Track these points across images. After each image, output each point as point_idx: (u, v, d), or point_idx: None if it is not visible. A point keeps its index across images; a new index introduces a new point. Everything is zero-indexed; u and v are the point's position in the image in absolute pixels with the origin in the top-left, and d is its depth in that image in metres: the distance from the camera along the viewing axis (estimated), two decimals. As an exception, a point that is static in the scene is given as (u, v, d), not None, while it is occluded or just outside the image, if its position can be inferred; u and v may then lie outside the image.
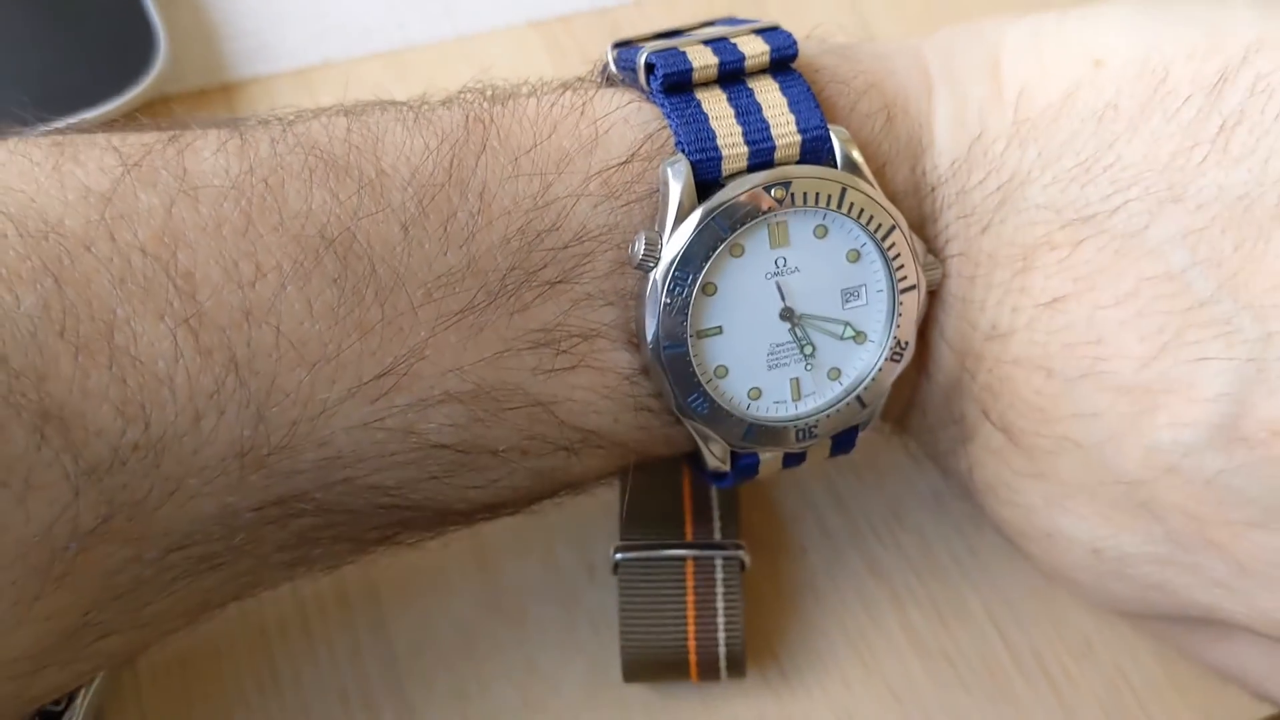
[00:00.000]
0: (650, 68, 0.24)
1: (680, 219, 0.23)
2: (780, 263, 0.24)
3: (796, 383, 0.25)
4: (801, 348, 0.25)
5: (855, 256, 0.25)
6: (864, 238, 0.25)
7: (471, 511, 0.26)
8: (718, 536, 0.28)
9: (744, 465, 0.26)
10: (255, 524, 0.23)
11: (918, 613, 0.31)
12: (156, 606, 0.23)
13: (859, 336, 0.25)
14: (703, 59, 0.24)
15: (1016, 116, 0.25)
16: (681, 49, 0.24)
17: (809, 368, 0.25)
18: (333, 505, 0.23)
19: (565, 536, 0.31)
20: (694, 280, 0.24)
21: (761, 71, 0.25)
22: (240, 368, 0.21)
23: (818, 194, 0.24)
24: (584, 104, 0.25)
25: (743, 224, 0.24)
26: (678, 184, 0.23)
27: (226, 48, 0.39)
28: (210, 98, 0.38)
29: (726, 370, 0.25)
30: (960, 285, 0.26)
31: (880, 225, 0.25)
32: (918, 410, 0.28)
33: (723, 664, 0.28)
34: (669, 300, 0.24)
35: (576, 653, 0.30)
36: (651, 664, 0.28)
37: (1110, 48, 0.25)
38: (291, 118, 0.24)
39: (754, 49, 0.24)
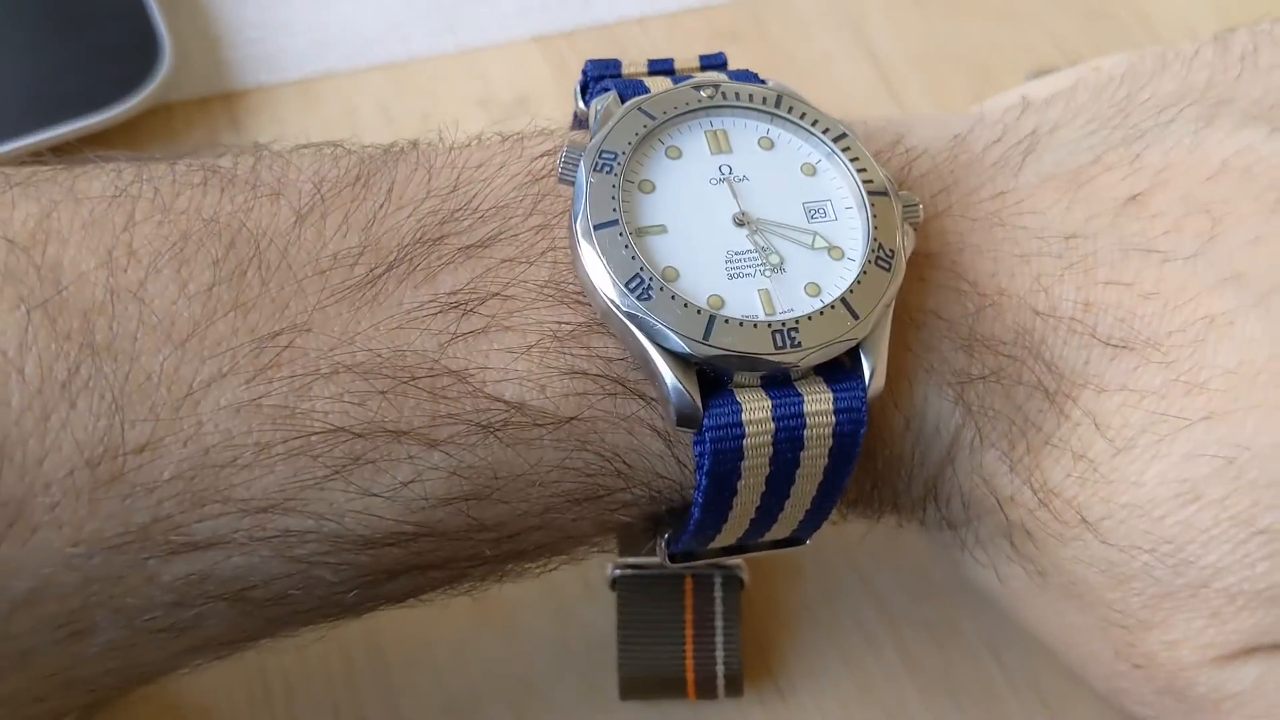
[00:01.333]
0: (584, 80, 0.24)
1: (605, 121, 0.23)
2: (725, 169, 0.23)
3: (767, 295, 0.22)
4: (765, 256, 0.22)
5: (810, 170, 0.23)
6: (816, 153, 0.23)
7: (381, 542, 0.21)
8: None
9: (719, 413, 0.21)
10: (115, 570, 0.20)
11: (913, 635, 0.31)
12: (10, 685, 0.20)
13: (834, 251, 0.22)
14: (634, 64, 0.24)
15: (1024, 101, 0.26)
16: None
17: (778, 280, 0.22)
18: (207, 538, 0.20)
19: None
20: (623, 160, 0.22)
21: (694, 72, 0.25)
22: (99, 352, 0.19)
23: (751, 94, 0.23)
24: (514, 135, 0.24)
25: (672, 114, 0.22)
26: (603, 102, 0.23)
27: (229, 56, 0.39)
28: (212, 106, 0.38)
29: (677, 273, 0.21)
30: (1005, 215, 0.24)
31: (829, 129, 0.23)
32: (947, 382, 0.24)
33: (720, 683, 0.28)
34: (595, 180, 0.21)
35: (571, 669, 0.30)
36: (648, 682, 0.28)
37: (1104, 59, 0.26)
38: (200, 153, 0.23)
39: (685, 60, 0.25)
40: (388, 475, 0.21)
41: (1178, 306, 0.23)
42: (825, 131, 0.23)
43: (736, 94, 0.23)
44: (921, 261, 0.24)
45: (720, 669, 0.27)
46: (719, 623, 0.27)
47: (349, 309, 0.21)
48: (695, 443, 0.21)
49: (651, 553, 0.25)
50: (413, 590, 0.23)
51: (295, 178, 0.22)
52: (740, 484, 0.22)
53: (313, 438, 0.20)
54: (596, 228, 0.21)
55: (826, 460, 0.22)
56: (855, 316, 0.22)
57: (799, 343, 0.21)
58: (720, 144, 0.23)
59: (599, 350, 0.22)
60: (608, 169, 0.22)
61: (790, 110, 0.23)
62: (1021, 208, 0.24)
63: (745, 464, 0.21)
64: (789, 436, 0.21)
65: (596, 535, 0.24)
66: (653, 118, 0.22)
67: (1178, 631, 0.23)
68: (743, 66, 0.25)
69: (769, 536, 0.24)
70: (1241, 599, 0.22)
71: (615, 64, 0.24)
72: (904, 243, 0.22)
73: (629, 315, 0.21)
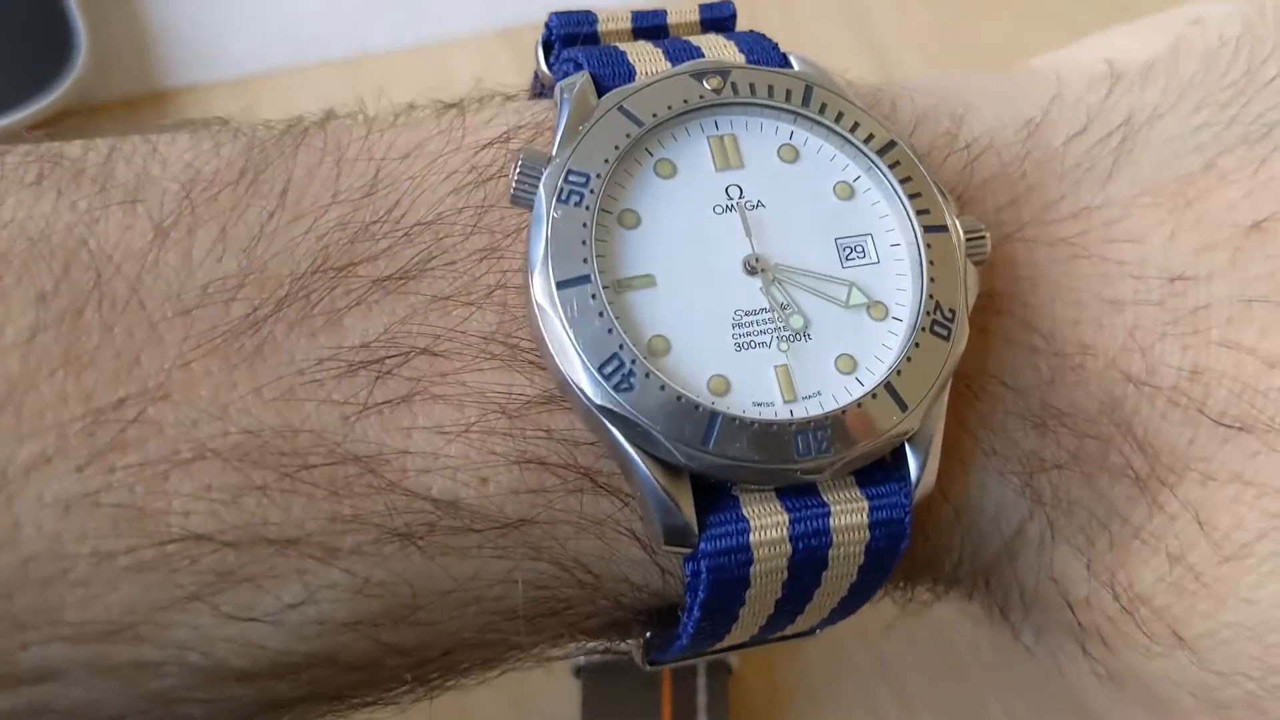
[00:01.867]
0: (548, 46, 0.19)
1: (575, 123, 0.17)
2: (733, 192, 0.18)
3: (786, 373, 0.17)
4: (786, 317, 0.17)
5: (847, 192, 0.18)
6: (854, 166, 0.18)
7: (266, 675, 0.17)
8: (700, 636, 0.24)
9: (720, 534, 0.17)
10: None
11: (930, 719, 0.28)
12: None
13: (875, 308, 0.18)
14: (613, 19, 0.19)
15: (1113, 71, 0.21)
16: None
17: (802, 352, 0.17)
18: (33, 670, 0.16)
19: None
20: (597, 187, 0.17)
21: (693, 31, 0.19)
22: None
23: (771, 86, 0.18)
24: (456, 105, 0.19)
25: (664, 117, 0.17)
26: (570, 90, 0.18)
27: (159, 53, 0.35)
28: (140, 108, 0.35)
29: (668, 344, 0.17)
30: (1092, 242, 0.19)
31: (873, 137, 0.18)
32: (1013, 468, 0.20)
33: (704, 788, 0.24)
34: (560, 214, 0.17)
35: (532, 762, 0.26)
36: (619, 786, 0.24)
37: (1208, 8, 0.21)
38: (48, 140, 0.18)
39: (680, 13, 0.19)
40: (270, 596, 0.16)
41: None
42: (868, 140, 0.18)
43: (752, 86, 0.18)
44: (984, 304, 0.19)
45: (704, 772, 0.24)
46: (702, 718, 0.24)
47: (221, 366, 0.16)
48: (687, 562, 0.17)
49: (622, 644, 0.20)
50: None
51: (159, 174, 0.17)
52: (743, 610, 0.17)
53: (169, 547, 0.16)
54: (561, 285, 0.16)
55: (855, 577, 0.17)
56: (903, 407, 0.17)
57: (829, 448, 0.16)
58: (728, 156, 0.18)
59: (561, 432, 0.17)
60: (577, 198, 0.17)
61: (823, 110, 0.18)
62: (1113, 232, 0.19)
63: (751, 592, 0.17)
64: (810, 558, 0.17)
65: (551, 648, 0.19)
66: (639, 123, 0.17)
67: None
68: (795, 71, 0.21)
69: (771, 636, 0.19)
70: None
71: (589, 17, 0.19)
72: (966, 295, 0.18)
73: (605, 411, 0.16)
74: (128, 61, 0.35)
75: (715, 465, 0.16)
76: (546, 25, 0.19)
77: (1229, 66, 0.20)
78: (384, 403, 0.17)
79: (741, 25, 0.23)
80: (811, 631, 0.20)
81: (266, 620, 0.16)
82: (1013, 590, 0.21)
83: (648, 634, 0.19)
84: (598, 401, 0.16)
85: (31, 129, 0.32)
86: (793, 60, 0.19)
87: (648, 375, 0.16)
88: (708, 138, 0.18)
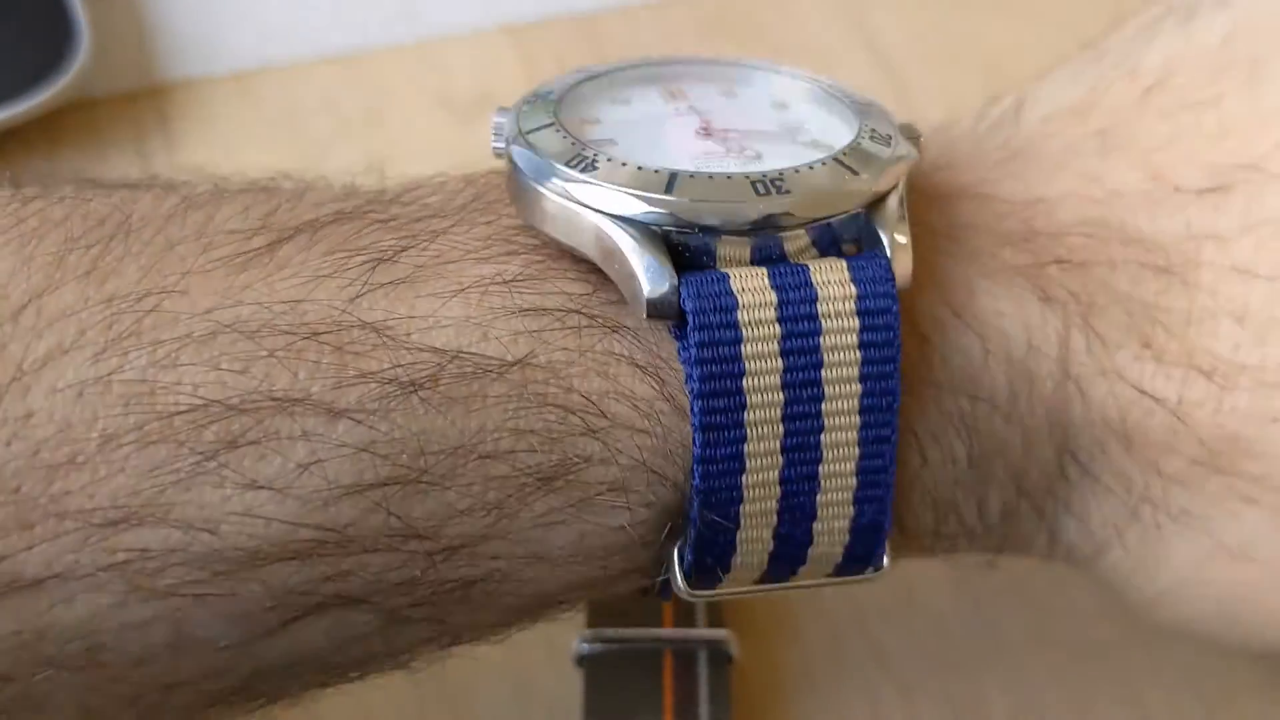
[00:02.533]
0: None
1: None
2: (680, 109, 0.20)
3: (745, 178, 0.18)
4: (740, 151, 0.19)
5: (782, 106, 0.20)
6: (793, 85, 0.21)
7: (275, 557, 0.17)
8: (702, 623, 0.25)
9: (700, 283, 0.17)
10: None
11: (930, 709, 0.27)
12: None
13: (818, 146, 0.19)
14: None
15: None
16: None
17: (755, 166, 0.18)
18: (36, 574, 0.16)
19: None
20: (558, 94, 0.19)
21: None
22: None
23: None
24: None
25: (616, 69, 0.20)
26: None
27: (159, 47, 0.36)
28: (139, 102, 0.35)
29: (615, 143, 0.19)
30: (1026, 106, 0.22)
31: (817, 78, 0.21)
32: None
33: (705, 777, 0.24)
34: (526, 109, 0.19)
35: (532, 752, 0.26)
36: (620, 774, 0.24)
37: None
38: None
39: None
40: (276, 459, 0.16)
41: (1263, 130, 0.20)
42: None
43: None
44: (945, 194, 0.20)
45: (705, 761, 0.24)
46: (704, 706, 0.24)
47: (238, 271, 0.17)
48: (678, 339, 0.17)
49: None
50: (332, 649, 0.18)
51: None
52: (747, 382, 0.17)
53: (176, 419, 0.16)
54: (528, 133, 0.18)
55: (858, 353, 0.17)
56: (854, 173, 0.18)
57: (785, 190, 0.17)
58: (675, 97, 0.20)
59: (559, 287, 0.18)
60: (544, 99, 0.19)
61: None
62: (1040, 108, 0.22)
63: (746, 348, 0.17)
64: (797, 313, 0.17)
65: (579, 560, 0.18)
66: (594, 76, 0.20)
67: None
68: (733, 56, 0.22)
69: (822, 530, 0.18)
70: None
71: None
72: (902, 148, 0.19)
73: (567, 195, 0.18)
74: (128, 55, 0.35)
75: (681, 206, 0.17)
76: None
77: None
78: (389, 282, 0.17)
79: (742, 26, 0.24)
80: (869, 562, 0.19)
81: (272, 487, 0.16)
82: (1101, 440, 0.20)
83: (679, 543, 0.19)
84: (564, 185, 0.18)
85: (34, 124, 0.32)
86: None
87: (609, 159, 0.18)
88: (658, 89, 0.20)
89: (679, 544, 0.18)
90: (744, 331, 0.17)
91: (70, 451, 0.16)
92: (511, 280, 0.18)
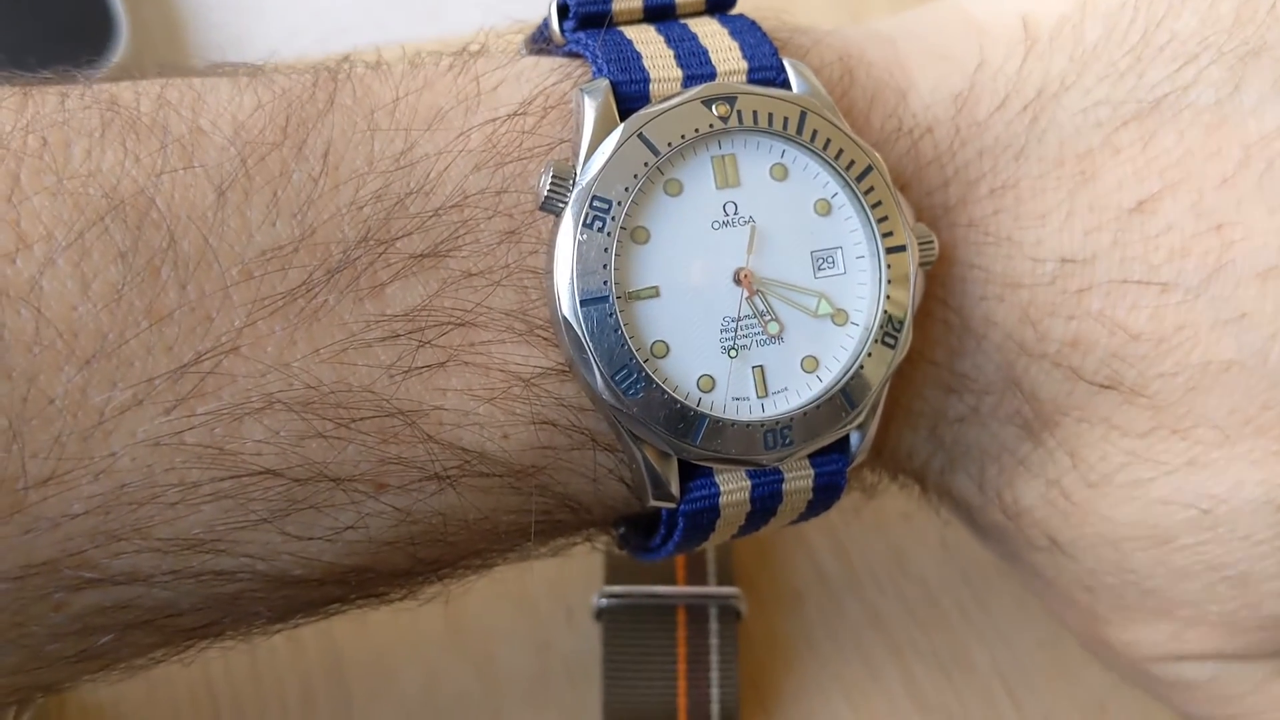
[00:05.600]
0: (563, 9, 0.21)
1: (598, 140, 0.19)
2: (730, 209, 0.20)
3: (761, 373, 0.20)
4: (765, 324, 0.20)
5: (825, 208, 0.20)
6: (834, 184, 0.20)
7: (320, 580, 0.20)
8: (713, 582, 0.26)
9: (697, 498, 0.20)
10: (16, 600, 0.18)
11: (920, 667, 0.29)
12: None
13: (838, 315, 0.20)
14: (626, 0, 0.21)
15: (1026, 36, 0.22)
16: None
17: (776, 353, 0.20)
18: (124, 573, 0.18)
19: (541, 574, 0.29)
20: (618, 213, 0.19)
21: (698, 13, 0.21)
22: None
23: (771, 114, 0.20)
24: (466, 62, 0.21)
25: (678, 145, 0.19)
26: (594, 102, 0.19)
27: (192, 39, 0.36)
28: None
29: (667, 348, 0.20)
30: (1002, 224, 0.22)
31: (854, 163, 0.20)
32: (924, 423, 0.23)
33: (714, 722, 0.26)
34: (585, 238, 0.19)
35: (550, 705, 0.28)
36: (635, 720, 0.26)
37: None
38: (100, 79, 0.20)
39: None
40: (327, 519, 0.19)
41: (1171, 349, 0.21)
42: (849, 167, 0.20)
43: (755, 115, 0.20)
44: None
45: (716, 707, 0.25)
46: (714, 657, 0.25)
47: (283, 326, 0.18)
48: (666, 512, 0.20)
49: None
50: (345, 610, 0.22)
51: (210, 129, 0.19)
52: (705, 543, 0.21)
53: (245, 479, 0.18)
54: (584, 303, 0.19)
55: (795, 518, 0.22)
56: (852, 406, 0.20)
57: (790, 441, 0.20)
58: (728, 175, 0.20)
59: (569, 399, 0.20)
60: (600, 224, 0.19)
61: (813, 137, 0.20)
62: (1021, 211, 0.22)
63: (714, 534, 0.21)
64: (763, 511, 0.21)
65: (539, 548, 0.22)
66: (656, 152, 0.19)
67: (1137, 634, 0.23)
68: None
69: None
70: (1205, 625, 0.22)
71: None
72: (914, 301, 0.21)
73: (615, 411, 0.19)
74: (161, 47, 0.36)
75: (699, 455, 0.20)
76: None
77: (1128, 29, 0.22)
78: (423, 367, 0.19)
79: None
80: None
81: (323, 539, 0.19)
82: (929, 497, 0.24)
83: (621, 529, 0.22)
84: (611, 403, 0.19)
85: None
86: (789, 71, 0.21)
87: (650, 382, 0.19)
88: (711, 157, 0.20)
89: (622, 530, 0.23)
90: (717, 529, 0.21)
91: (152, 493, 0.18)
92: (532, 381, 0.19)
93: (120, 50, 0.34)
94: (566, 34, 0.21)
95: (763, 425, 0.19)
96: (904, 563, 0.30)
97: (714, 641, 0.25)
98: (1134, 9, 0.22)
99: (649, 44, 0.20)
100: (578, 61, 0.20)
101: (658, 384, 0.19)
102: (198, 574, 0.18)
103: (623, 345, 0.19)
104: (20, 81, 0.19)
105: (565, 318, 0.19)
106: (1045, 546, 0.23)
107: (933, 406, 0.22)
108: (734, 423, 0.19)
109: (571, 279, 0.19)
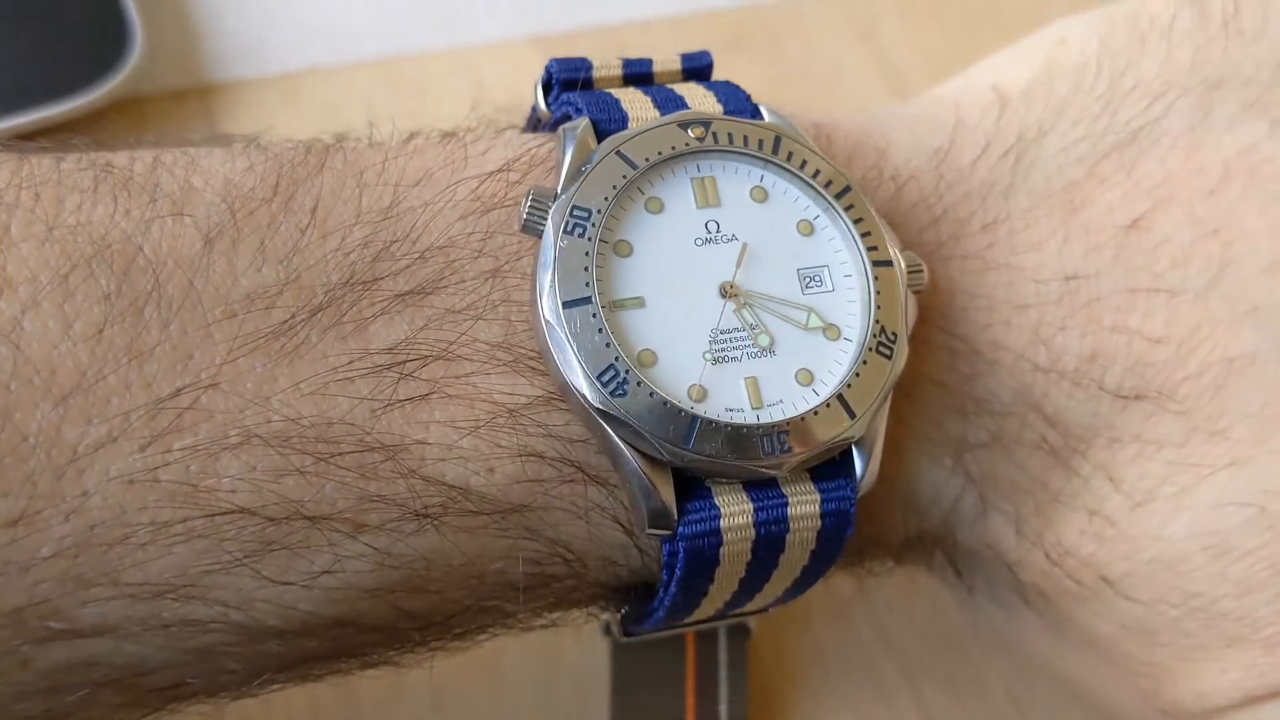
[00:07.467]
0: (548, 86, 0.21)
1: (578, 164, 0.20)
2: (712, 227, 0.20)
3: (754, 385, 0.20)
4: (754, 336, 0.20)
5: (808, 229, 0.21)
6: (815, 206, 0.20)
7: (297, 633, 0.19)
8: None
9: (696, 519, 0.19)
10: None
11: (933, 691, 0.29)
12: None
13: (830, 330, 0.20)
14: (607, 66, 0.22)
15: (999, 98, 0.23)
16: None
17: (768, 366, 0.20)
18: (92, 625, 0.18)
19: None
20: (598, 220, 0.19)
21: (675, 81, 0.22)
22: None
23: (746, 136, 0.20)
24: (456, 135, 0.21)
25: (655, 160, 0.20)
26: (574, 137, 0.20)
27: (207, 48, 0.37)
28: (186, 100, 0.36)
29: (655, 356, 0.19)
30: (998, 254, 0.22)
31: (832, 183, 0.20)
32: (945, 452, 0.22)
33: (723, 742, 0.25)
34: (566, 244, 0.19)
35: (557, 718, 0.28)
36: (643, 739, 0.26)
37: (1067, 27, 0.24)
38: (96, 148, 0.20)
39: (664, 62, 0.22)
40: (304, 562, 0.19)
41: (1192, 349, 0.21)
42: (827, 186, 0.21)
43: (730, 136, 0.20)
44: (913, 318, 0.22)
45: (724, 728, 0.25)
46: (723, 675, 0.25)
47: (264, 362, 0.18)
48: (665, 544, 0.19)
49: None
50: (325, 673, 0.21)
51: (201, 187, 0.19)
52: (711, 587, 0.20)
53: (218, 518, 0.18)
54: (566, 305, 0.19)
55: (808, 560, 0.20)
56: (851, 415, 0.20)
57: (789, 448, 0.19)
58: (708, 195, 0.20)
59: (557, 429, 0.19)
60: (580, 230, 0.19)
61: (789, 158, 0.21)
62: (1016, 242, 0.22)
63: (719, 570, 0.20)
64: (770, 541, 0.20)
65: (536, 619, 0.22)
66: (634, 165, 0.20)
67: (1209, 681, 0.22)
68: (749, 76, 0.23)
69: (731, 613, 0.22)
70: None
71: (584, 64, 0.22)
72: (907, 320, 0.20)
73: (601, 413, 0.19)
74: (175, 55, 0.36)
75: (693, 460, 0.19)
76: (547, 69, 0.22)
77: (1094, 81, 0.23)
78: (406, 400, 0.19)
79: (758, 44, 0.25)
80: (765, 609, 0.22)
81: (300, 584, 0.18)
82: (958, 559, 0.23)
83: (624, 609, 0.22)
84: (596, 404, 0.18)
85: (84, 119, 0.33)
86: (763, 111, 0.22)
87: (639, 384, 0.19)
88: (690, 179, 0.20)
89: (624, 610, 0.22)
90: (721, 561, 0.20)
91: (124, 533, 0.17)
92: (518, 412, 0.19)
93: (135, 58, 0.34)
94: (550, 105, 0.21)
95: (758, 429, 0.19)
96: (915, 582, 0.30)
97: (723, 658, 0.25)
98: (1097, 64, 0.23)
99: (628, 94, 0.21)
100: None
101: (646, 384, 0.19)
102: (168, 624, 0.18)
103: (607, 345, 0.19)
104: (16, 148, 0.19)
105: (547, 319, 0.19)
106: (1097, 591, 0.22)
107: (950, 434, 0.22)
108: (729, 425, 0.19)
109: (553, 282, 0.19)
